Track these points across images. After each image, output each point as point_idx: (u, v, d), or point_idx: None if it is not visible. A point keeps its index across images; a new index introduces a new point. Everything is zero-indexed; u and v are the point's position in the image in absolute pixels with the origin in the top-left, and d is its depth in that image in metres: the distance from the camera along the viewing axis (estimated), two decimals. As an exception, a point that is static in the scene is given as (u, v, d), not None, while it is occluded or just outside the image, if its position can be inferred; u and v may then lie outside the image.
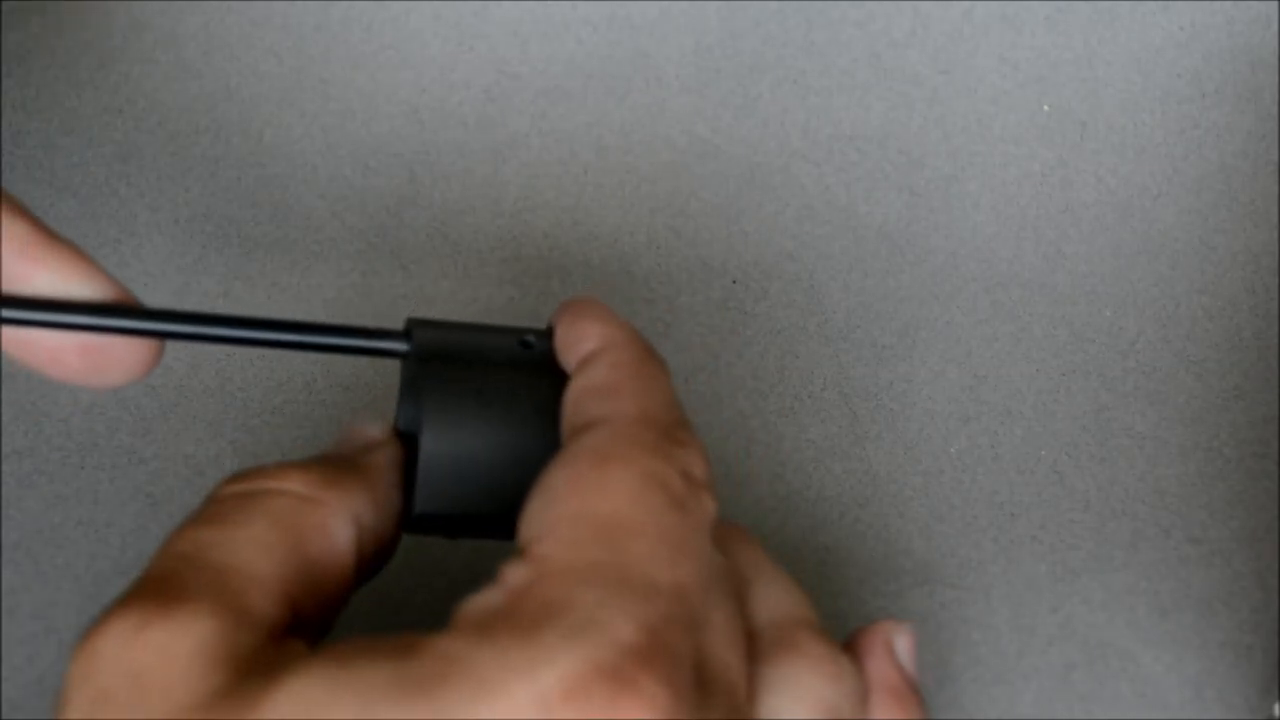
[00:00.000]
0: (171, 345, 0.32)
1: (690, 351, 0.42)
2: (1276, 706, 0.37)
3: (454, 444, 0.32)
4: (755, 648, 0.31)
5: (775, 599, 0.32)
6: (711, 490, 0.30)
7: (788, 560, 0.40)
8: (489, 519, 0.33)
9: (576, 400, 0.32)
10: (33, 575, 0.38)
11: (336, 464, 0.32)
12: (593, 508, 0.28)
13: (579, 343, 0.33)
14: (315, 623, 0.31)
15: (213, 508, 0.31)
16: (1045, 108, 0.44)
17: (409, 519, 0.33)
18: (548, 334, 0.34)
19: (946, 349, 0.42)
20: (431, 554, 0.38)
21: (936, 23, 0.44)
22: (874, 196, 0.43)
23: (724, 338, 0.42)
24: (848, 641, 0.34)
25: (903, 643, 0.34)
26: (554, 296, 0.42)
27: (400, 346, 0.33)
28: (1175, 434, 0.41)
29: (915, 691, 0.33)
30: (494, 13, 0.44)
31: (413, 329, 0.33)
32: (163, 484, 0.39)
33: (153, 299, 0.40)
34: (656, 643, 0.26)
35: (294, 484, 0.31)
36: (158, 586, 0.29)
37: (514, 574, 0.28)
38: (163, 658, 0.27)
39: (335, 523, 0.31)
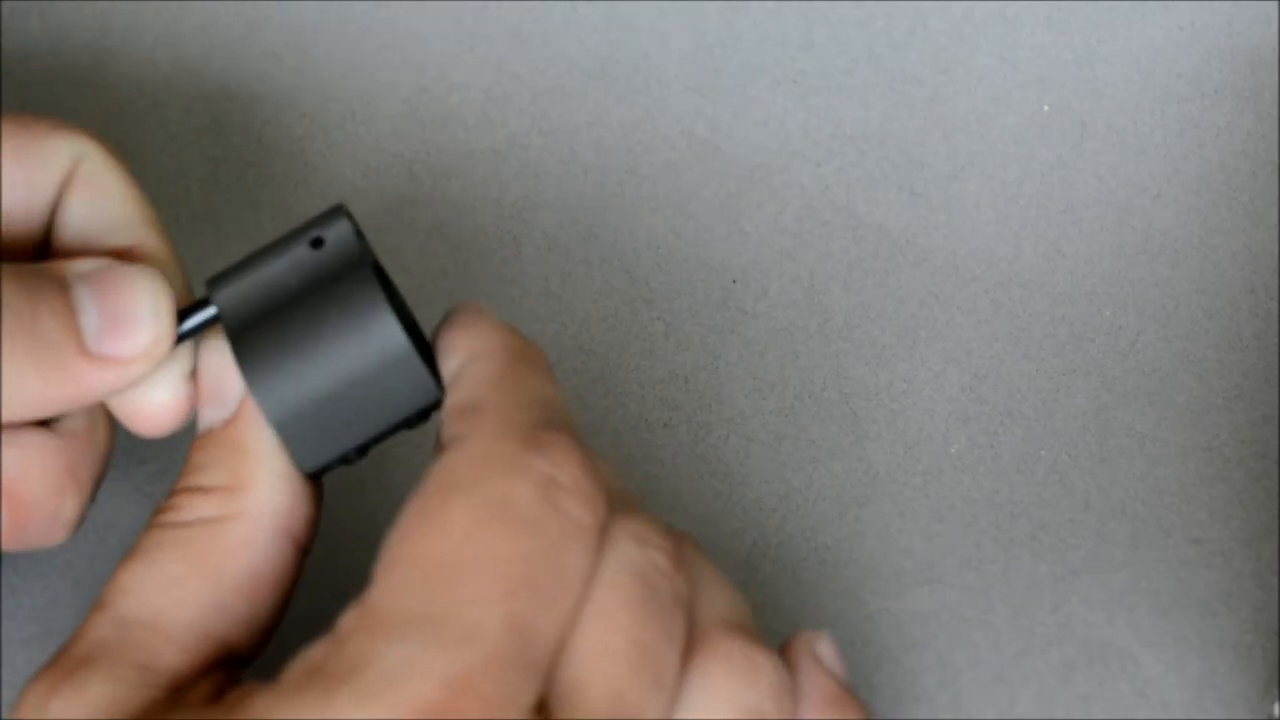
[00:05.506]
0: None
1: (690, 351, 0.42)
2: (1276, 706, 0.37)
3: (293, 397, 0.31)
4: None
5: (705, 603, 0.31)
6: (585, 492, 0.29)
7: (787, 560, 0.40)
8: (379, 434, 0.32)
9: (445, 422, 0.31)
10: (33, 575, 0.38)
11: (229, 458, 0.31)
12: (425, 550, 0.28)
13: (447, 359, 0.32)
14: (252, 637, 0.31)
15: (141, 542, 0.31)
16: (1045, 108, 0.44)
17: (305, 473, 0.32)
18: (337, 212, 0.33)
19: (946, 349, 0.42)
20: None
21: (936, 23, 0.44)
22: (874, 196, 0.43)
23: (724, 338, 0.42)
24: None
25: (825, 649, 0.33)
26: (554, 296, 0.42)
27: (210, 313, 0.32)
28: (1175, 434, 0.41)
29: (853, 695, 0.33)
30: (494, 13, 0.44)
31: (211, 291, 0.33)
32: (163, 484, 0.39)
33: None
34: (461, 696, 0.26)
35: (206, 507, 0.31)
36: (71, 649, 0.30)
37: (344, 623, 0.28)
38: None
39: (255, 531, 0.31)
